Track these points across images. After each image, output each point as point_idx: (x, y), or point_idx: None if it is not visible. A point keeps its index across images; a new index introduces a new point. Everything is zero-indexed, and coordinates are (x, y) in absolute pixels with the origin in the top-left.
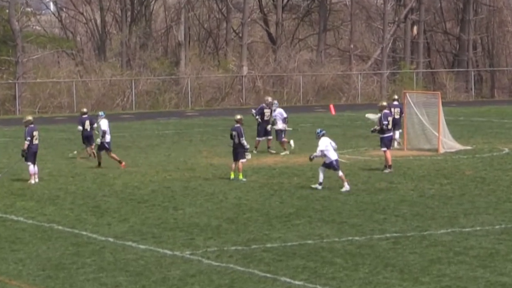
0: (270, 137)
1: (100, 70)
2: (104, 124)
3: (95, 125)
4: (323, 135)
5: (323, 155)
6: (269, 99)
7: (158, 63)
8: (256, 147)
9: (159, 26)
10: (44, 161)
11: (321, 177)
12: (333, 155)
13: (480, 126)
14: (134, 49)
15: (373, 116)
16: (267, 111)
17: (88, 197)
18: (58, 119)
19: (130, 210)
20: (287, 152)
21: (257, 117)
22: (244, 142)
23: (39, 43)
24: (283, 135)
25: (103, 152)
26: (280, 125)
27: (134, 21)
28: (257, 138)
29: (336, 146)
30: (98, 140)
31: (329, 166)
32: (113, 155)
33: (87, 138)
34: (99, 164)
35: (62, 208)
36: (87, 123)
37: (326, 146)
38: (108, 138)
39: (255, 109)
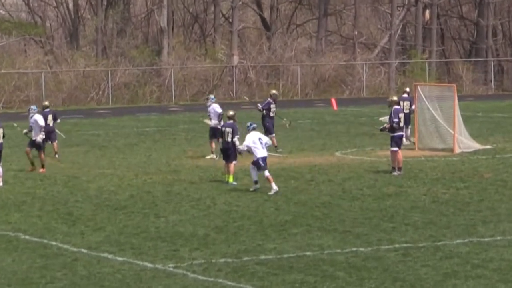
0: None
1: (72, 60)
2: (40, 119)
3: (31, 120)
4: (253, 129)
5: (253, 151)
6: (274, 92)
7: (137, 51)
8: (276, 146)
9: (139, 10)
10: (9, 162)
11: (253, 175)
12: (260, 153)
13: (500, 123)
14: (111, 36)
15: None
16: (273, 106)
17: (58, 202)
18: (25, 115)
19: (106, 217)
20: (214, 156)
21: (264, 110)
22: (237, 141)
23: (4, 29)
24: (218, 134)
25: (33, 150)
26: (213, 122)
27: (110, 4)
28: (269, 136)
29: (268, 143)
30: (40, 137)
31: (256, 164)
32: (43, 156)
33: (49, 134)
34: (33, 164)
35: (29, 215)
36: (50, 117)
37: (254, 142)
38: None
39: (261, 103)
